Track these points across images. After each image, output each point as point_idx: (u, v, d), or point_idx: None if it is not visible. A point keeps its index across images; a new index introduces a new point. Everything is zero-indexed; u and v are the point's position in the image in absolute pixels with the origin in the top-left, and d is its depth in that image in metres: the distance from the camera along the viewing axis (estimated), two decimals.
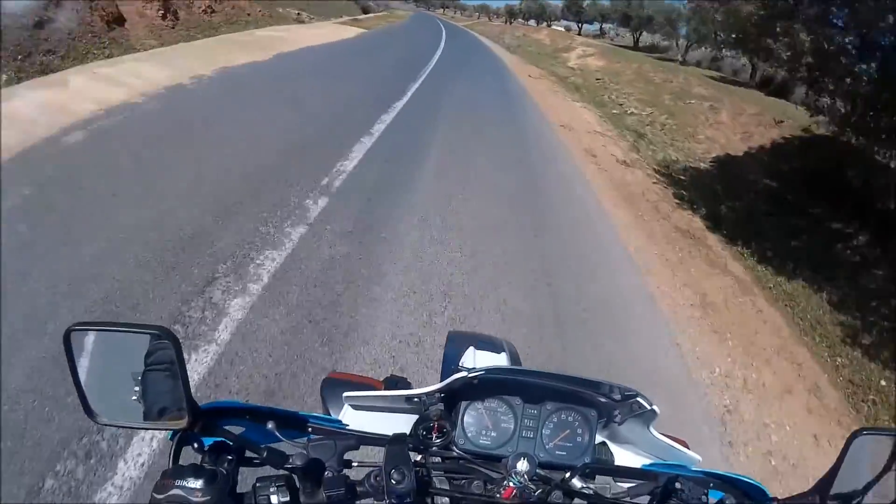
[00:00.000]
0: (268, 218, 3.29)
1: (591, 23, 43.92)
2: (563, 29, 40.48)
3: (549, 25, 47.12)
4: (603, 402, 0.74)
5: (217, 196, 3.40)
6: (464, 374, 0.68)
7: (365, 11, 24.51)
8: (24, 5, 5.42)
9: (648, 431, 0.75)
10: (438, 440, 0.72)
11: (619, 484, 0.74)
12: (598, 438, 0.78)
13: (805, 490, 0.65)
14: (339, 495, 0.58)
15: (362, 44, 13.61)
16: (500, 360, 1.00)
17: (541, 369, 0.71)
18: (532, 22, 54.49)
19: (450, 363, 0.97)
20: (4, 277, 2.24)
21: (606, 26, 41.38)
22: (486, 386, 0.72)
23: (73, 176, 3.28)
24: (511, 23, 53.13)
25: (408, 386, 0.76)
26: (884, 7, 4.34)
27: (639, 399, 0.71)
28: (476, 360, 0.97)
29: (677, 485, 0.64)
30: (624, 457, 0.80)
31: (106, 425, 0.58)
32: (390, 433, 0.66)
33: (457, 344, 1.04)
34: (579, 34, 34.89)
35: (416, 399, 0.71)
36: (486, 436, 0.74)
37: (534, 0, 54.06)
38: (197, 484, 0.52)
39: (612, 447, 0.80)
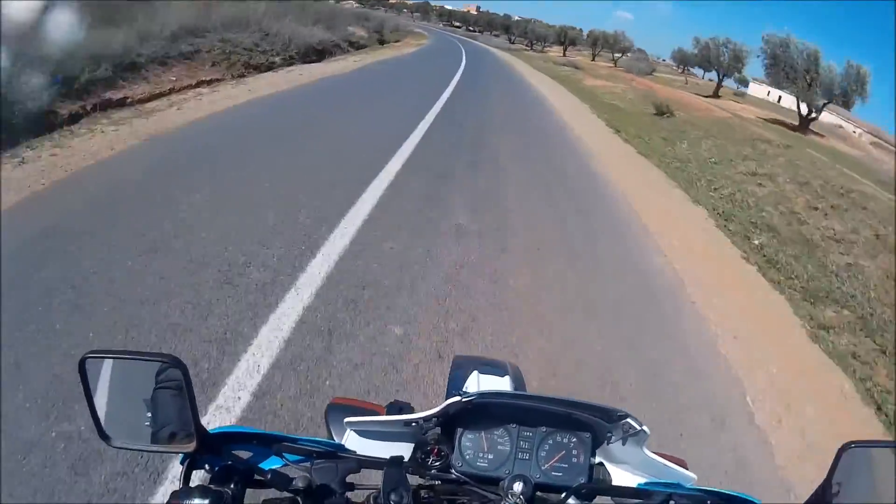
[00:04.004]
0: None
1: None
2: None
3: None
4: (596, 424, 0.76)
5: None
6: (458, 398, 0.69)
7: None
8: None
9: (643, 451, 0.76)
10: (437, 463, 0.73)
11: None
12: (596, 460, 0.79)
13: None
14: None
15: None
16: (504, 383, 1.01)
17: (536, 393, 0.73)
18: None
19: (454, 387, 0.98)
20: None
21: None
22: (482, 409, 0.74)
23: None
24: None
25: (410, 411, 0.78)
26: None
27: (629, 420, 0.72)
28: (480, 383, 0.98)
29: (672, 502, 0.66)
30: (621, 477, 0.81)
31: (119, 448, 0.60)
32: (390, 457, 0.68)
33: (461, 368, 1.05)
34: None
35: (414, 423, 0.73)
36: (483, 458, 0.75)
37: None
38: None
39: (610, 468, 0.81)
